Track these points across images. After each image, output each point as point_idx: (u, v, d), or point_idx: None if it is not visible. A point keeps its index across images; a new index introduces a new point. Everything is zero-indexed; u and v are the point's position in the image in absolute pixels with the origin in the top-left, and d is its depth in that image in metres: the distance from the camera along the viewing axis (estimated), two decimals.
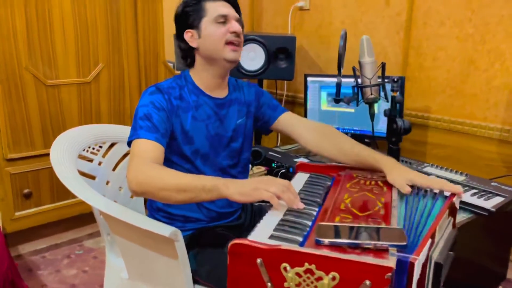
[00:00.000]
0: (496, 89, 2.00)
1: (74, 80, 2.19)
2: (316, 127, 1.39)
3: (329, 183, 1.21)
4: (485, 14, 1.97)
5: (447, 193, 1.09)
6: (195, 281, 1.21)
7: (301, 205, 1.01)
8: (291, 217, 0.98)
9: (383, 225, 0.89)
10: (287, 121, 1.43)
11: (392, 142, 1.36)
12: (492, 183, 1.76)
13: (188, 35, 1.29)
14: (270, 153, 2.26)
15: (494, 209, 1.55)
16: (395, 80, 1.33)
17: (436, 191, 1.10)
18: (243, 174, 1.44)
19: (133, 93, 2.41)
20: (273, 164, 2.14)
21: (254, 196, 0.98)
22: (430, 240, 0.82)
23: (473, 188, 1.70)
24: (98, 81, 2.27)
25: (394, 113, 1.35)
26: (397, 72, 2.32)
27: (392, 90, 1.35)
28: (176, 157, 1.28)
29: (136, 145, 1.15)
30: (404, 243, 0.79)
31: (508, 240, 1.88)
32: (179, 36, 1.31)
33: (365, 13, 2.42)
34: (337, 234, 0.84)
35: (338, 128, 2.31)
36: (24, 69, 2.03)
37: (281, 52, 2.46)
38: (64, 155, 1.36)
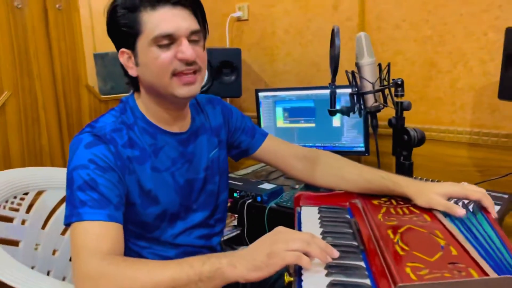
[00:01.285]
0: (461, 91, 1.91)
1: None
2: (307, 153, 1.15)
3: (348, 216, 0.95)
4: (443, 14, 1.88)
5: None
6: None
7: (336, 253, 0.74)
8: (341, 277, 0.69)
9: (475, 276, 0.64)
10: (270, 148, 1.16)
11: (405, 157, 1.14)
12: None
13: (123, 56, 0.94)
14: (229, 181, 1.95)
15: (497, 217, 1.41)
16: (399, 83, 1.12)
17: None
18: (221, 222, 1.13)
19: (51, 126, 1.96)
20: (235, 194, 1.83)
21: (274, 265, 0.71)
22: None
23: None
24: (3, 112, 1.80)
25: (402, 122, 1.14)
26: None
27: (397, 95, 1.14)
28: (132, 230, 0.94)
29: (79, 232, 0.80)
30: None
31: None
32: (118, 53, 0.97)
33: (312, 20, 2.25)
34: None
35: None
36: None
37: (225, 66, 2.20)
38: None
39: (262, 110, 2.13)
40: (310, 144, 2.07)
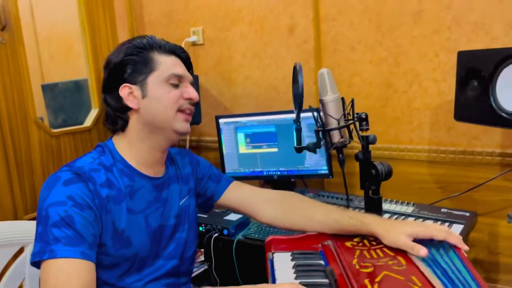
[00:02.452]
0: (417, 110, 1.95)
1: None
2: (274, 197, 1.14)
3: (322, 262, 0.92)
4: (396, 36, 1.93)
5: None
6: None
7: None
8: None
9: None
10: (236, 193, 1.16)
11: (373, 191, 1.13)
12: (442, 210, 1.69)
13: (125, 90, 0.99)
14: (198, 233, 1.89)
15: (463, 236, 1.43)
16: (363, 117, 1.12)
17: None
18: (188, 275, 1.11)
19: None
20: (200, 228, 1.77)
21: None
22: None
23: (427, 218, 1.60)
24: None
25: (368, 156, 1.13)
26: (311, 103, 2.16)
27: (362, 130, 1.14)
28: (102, 279, 0.91)
29: (51, 269, 0.80)
30: None
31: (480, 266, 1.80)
32: (109, 90, 1.01)
33: (268, 44, 2.24)
34: None
35: (261, 172, 2.06)
36: None
37: None
38: None
39: (223, 137, 2.09)
40: (274, 169, 2.05)
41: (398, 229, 0.93)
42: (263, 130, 2.02)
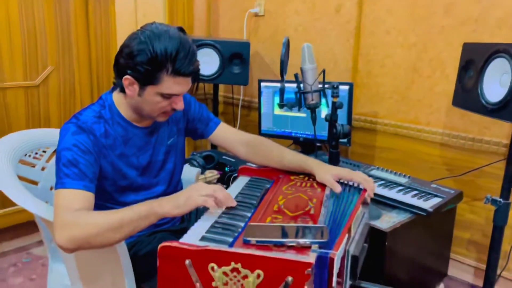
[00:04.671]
0: (438, 95, 2.09)
1: (21, 84, 2.14)
2: (248, 140, 1.40)
3: (268, 185, 1.24)
4: (427, 24, 2.06)
5: (362, 187, 1.18)
6: (138, 287, 1.21)
7: (233, 203, 1.05)
8: (225, 219, 1.00)
9: (309, 224, 0.92)
10: (221, 134, 1.43)
11: (332, 146, 1.40)
12: (433, 185, 1.84)
13: (126, 81, 1.14)
14: (223, 157, 2.28)
15: (431, 209, 1.62)
16: (335, 86, 1.38)
17: (358, 185, 1.19)
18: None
19: (84, 99, 2.37)
20: (226, 168, 2.16)
21: (189, 205, 1.00)
22: (347, 235, 0.86)
23: (414, 189, 1.78)
24: (47, 84, 2.22)
25: (334, 118, 1.40)
26: (347, 78, 2.39)
27: (333, 96, 1.40)
28: (106, 198, 1.23)
29: (61, 196, 1.05)
30: (325, 240, 0.83)
31: (448, 238, 1.97)
32: (117, 67, 1.16)
33: (317, 20, 2.49)
34: (264, 234, 0.86)
35: (290, 133, 2.36)
36: None
37: (235, 57, 2.49)
38: (3, 160, 1.33)
39: (263, 98, 2.42)
40: (301, 132, 2.33)
41: (328, 170, 1.21)
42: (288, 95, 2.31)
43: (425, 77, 2.12)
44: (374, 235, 1.50)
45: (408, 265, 1.75)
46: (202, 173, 2.08)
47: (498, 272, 1.76)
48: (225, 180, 2.09)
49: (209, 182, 2.09)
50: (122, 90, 1.18)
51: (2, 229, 2.24)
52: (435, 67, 2.08)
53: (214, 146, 2.63)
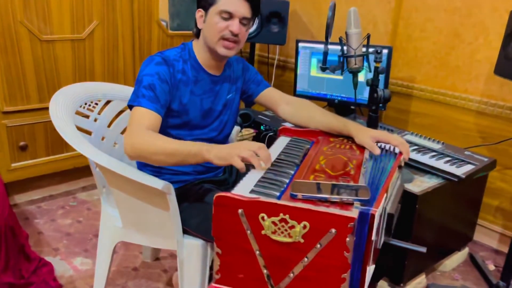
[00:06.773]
0: (478, 62, 2.07)
1: (68, 36, 2.22)
2: (294, 101, 1.52)
3: (308, 146, 1.31)
4: None
5: (397, 150, 1.24)
6: (185, 231, 1.33)
7: (269, 165, 1.12)
8: (271, 175, 1.07)
9: (351, 183, 0.99)
10: (268, 95, 1.55)
11: (373, 110, 1.45)
12: (466, 152, 1.87)
13: (198, 13, 1.35)
14: (259, 116, 2.34)
15: (463, 176, 1.67)
16: (378, 51, 1.40)
17: (393, 149, 1.25)
18: (225, 140, 1.55)
19: (127, 53, 2.45)
20: (261, 127, 2.23)
21: (229, 159, 1.08)
22: (385, 195, 0.93)
23: (448, 156, 1.82)
24: (92, 38, 2.30)
25: (376, 83, 1.43)
26: (386, 42, 2.38)
27: (375, 61, 1.43)
28: (170, 125, 1.36)
29: (136, 112, 1.23)
30: (367, 198, 0.90)
31: (476, 205, 2.01)
32: (196, 13, 1.36)
33: None
34: (309, 190, 0.94)
35: (326, 95, 2.40)
36: (19, 23, 2.06)
37: (274, 16, 2.50)
38: (62, 110, 1.43)
39: (299, 59, 2.44)
40: (337, 94, 2.37)
41: (366, 132, 1.27)
42: (333, 58, 2.32)
43: (466, 43, 2.10)
44: (405, 198, 1.57)
45: (436, 227, 1.82)
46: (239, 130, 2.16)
47: None
48: (260, 139, 2.16)
49: (245, 140, 2.17)
50: (197, 36, 1.37)
51: (50, 174, 2.40)
52: (478, 33, 2.05)
53: (250, 106, 2.69)
